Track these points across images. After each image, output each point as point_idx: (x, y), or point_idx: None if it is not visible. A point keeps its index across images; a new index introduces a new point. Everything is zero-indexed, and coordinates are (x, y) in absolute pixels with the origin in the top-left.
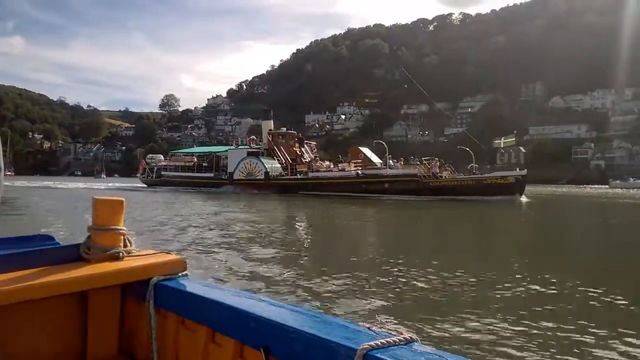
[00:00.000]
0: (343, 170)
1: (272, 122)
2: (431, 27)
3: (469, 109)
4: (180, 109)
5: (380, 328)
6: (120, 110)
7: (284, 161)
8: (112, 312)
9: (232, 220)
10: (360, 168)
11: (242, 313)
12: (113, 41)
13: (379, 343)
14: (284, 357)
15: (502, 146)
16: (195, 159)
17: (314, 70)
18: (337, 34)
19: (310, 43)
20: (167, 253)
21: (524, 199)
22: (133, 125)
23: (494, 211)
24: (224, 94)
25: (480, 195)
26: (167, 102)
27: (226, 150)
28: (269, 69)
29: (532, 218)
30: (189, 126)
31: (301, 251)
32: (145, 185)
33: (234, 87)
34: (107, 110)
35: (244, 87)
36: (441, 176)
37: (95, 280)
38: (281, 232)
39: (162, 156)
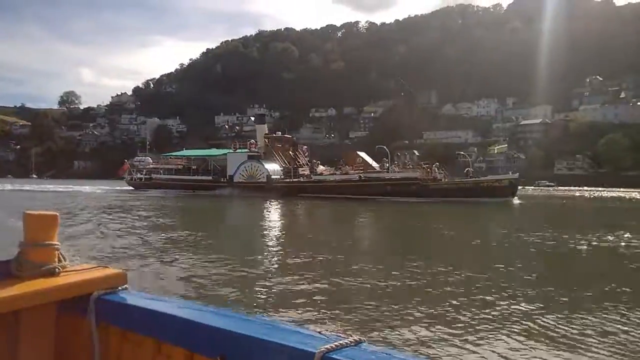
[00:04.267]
0: (346, 173)
1: (266, 126)
2: (339, 34)
3: (372, 114)
4: (82, 107)
5: (329, 332)
6: (15, 106)
7: (283, 165)
8: (47, 330)
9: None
10: (361, 172)
11: (193, 323)
12: (7, 31)
13: (333, 346)
14: None
15: (495, 152)
16: (184, 162)
17: (225, 71)
18: (249, 35)
19: (221, 43)
20: (106, 267)
21: (516, 200)
22: (29, 123)
23: (492, 212)
24: (130, 92)
25: (477, 197)
26: (68, 98)
27: (224, 154)
28: (178, 67)
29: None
30: (91, 125)
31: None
32: (131, 188)
33: (141, 85)
34: (1, 107)
35: (151, 85)
36: (440, 179)
37: (29, 298)
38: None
39: (150, 158)
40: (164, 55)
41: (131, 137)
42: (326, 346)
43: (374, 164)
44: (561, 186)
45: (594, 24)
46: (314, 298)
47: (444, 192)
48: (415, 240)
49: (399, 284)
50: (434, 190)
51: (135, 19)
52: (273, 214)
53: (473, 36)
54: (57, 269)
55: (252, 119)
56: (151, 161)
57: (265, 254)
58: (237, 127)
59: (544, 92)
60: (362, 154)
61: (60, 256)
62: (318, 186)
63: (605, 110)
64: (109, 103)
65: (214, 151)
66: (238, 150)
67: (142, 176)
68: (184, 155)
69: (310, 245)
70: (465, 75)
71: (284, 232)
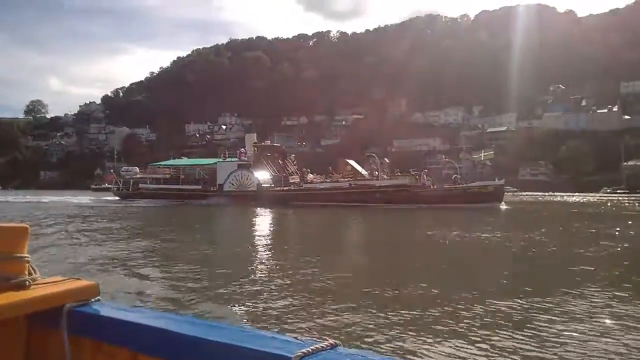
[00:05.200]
0: (337, 181)
1: (255, 135)
2: (311, 43)
3: (344, 122)
4: (49, 116)
5: (305, 337)
6: None
7: (273, 173)
8: (18, 344)
9: None
10: (351, 179)
11: (169, 332)
12: None
13: (309, 350)
14: None
15: (482, 159)
16: (171, 171)
17: (195, 80)
18: (220, 43)
19: (192, 51)
20: (78, 279)
21: (503, 206)
22: None
23: (477, 216)
24: (98, 101)
25: (465, 204)
26: (34, 107)
27: (214, 163)
28: (148, 75)
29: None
30: (58, 134)
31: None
32: (118, 198)
33: (110, 94)
34: None
35: (121, 94)
36: (429, 186)
37: None
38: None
39: (137, 168)
40: (134, 63)
41: (100, 146)
42: (302, 350)
43: (363, 172)
44: (524, 192)
45: (558, 34)
46: (293, 305)
47: (433, 198)
48: (401, 243)
49: (378, 289)
50: (423, 197)
51: (104, 27)
52: (264, 223)
53: (442, 46)
54: (27, 282)
55: (224, 127)
56: (138, 171)
57: (250, 262)
58: (207, 136)
59: (510, 100)
60: (352, 162)
61: (31, 269)
62: (309, 194)
63: (566, 118)
64: (76, 112)
65: (202, 160)
66: (227, 159)
67: (129, 186)
68: (172, 165)
69: (295, 252)
70: (434, 84)
71: (272, 241)
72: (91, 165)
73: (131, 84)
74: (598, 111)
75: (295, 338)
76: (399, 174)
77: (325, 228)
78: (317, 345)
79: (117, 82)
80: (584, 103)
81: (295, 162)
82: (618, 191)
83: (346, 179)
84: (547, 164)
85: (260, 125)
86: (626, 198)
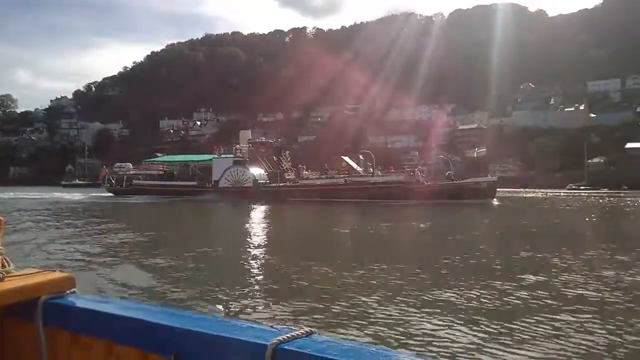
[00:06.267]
0: (332, 177)
1: (250, 131)
2: (287, 39)
3: (319, 119)
4: (19, 110)
5: (281, 325)
6: None
7: (268, 170)
8: None
9: None
10: (346, 176)
11: (145, 322)
12: None
13: (285, 337)
14: None
15: (475, 156)
16: (165, 167)
17: (170, 75)
18: (195, 38)
19: (167, 46)
20: (53, 271)
21: (495, 201)
22: None
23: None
24: (70, 95)
25: (459, 199)
26: (3, 102)
27: (210, 159)
28: (122, 70)
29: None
30: (28, 129)
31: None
32: (111, 194)
33: (82, 89)
34: None
35: (93, 88)
36: (423, 183)
37: None
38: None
39: (130, 164)
40: (107, 57)
41: (71, 142)
42: (278, 338)
43: (358, 168)
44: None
45: (529, 34)
46: (269, 294)
47: (427, 194)
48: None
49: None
50: (417, 193)
51: (78, 19)
52: (260, 218)
53: (416, 44)
54: (1, 274)
55: (198, 123)
56: (131, 167)
57: (239, 256)
58: (182, 132)
59: (481, 98)
60: (346, 159)
61: (5, 261)
62: (305, 190)
63: (536, 115)
64: (47, 107)
65: (197, 156)
66: (223, 155)
67: (122, 183)
68: (165, 161)
69: (285, 244)
70: (409, 81)
71: (266, 236)
72: (62, 161)
73: (104, 79)
74: (566, 109)
75: (271, 327)
76: (393, 170)
77: (312, 226)
78: (292, 333)
79: (90, 76)
80: (552, 101)
81: (289, 159)
82: (581, 187)
83: (342, 176)
84: (516, 160)
85: (237, 121)
86: (585, 194)
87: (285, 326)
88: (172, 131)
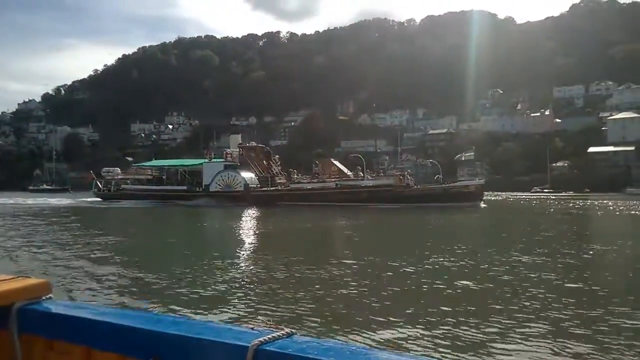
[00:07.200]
0: (323, 181)
1: (240, 136)
2: (260, 43)
3: (292, 123)
4: None
5: (261, 327)
6: None
7: (259, 174)
8: None
9: None
10: (337, 179)
11: (123, 326)
12: None
13: (266, 339)
14: None
15: (463, 159)
16: (154, 172)
17: (141, 78)
18: (167, 42)
19: (138, 49)
20: (27, 277)
21: (482, 204)
22: None
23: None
24: (39, 98)
25: (447, 202)
26: None
27: (200, 164)
28: (92, 73)
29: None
30: None
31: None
32: (99, 199)
33: (51, 92)
34: None
35: (62, 91)
36: (413, 186)
37: None
38: None
39: (119, 169)
40: (77, 60)
41: (39, 146)
42: (259, 339)
43: (348, 172)
44: None
45: (498, 40)
46: (248, 296)
47: (416, 198)
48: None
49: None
50: (407, 197)
51: (47, 21)
52: (251, 222)
53: (388, 50)
54: None
55: (170, 127)
56: (120, 171)
57: (229, 261)
58: (154, 136)
59: (451, 103)
60: (336, 162)
61: None
62: (296, 194)
63: (503, 120)
64: (15, 110)
65: (187, 161)
66: (214, 160)
67: (110, 187)
68: (154, 165)
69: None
70: (380, 86)
71: (256, 239)
72: (30, 166)
73: (74, 82)
74: (532, 115)
75: (252, 328)
76: (382, 174)
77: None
78: (273, 334)
79: (59, 79)
80: (519, 107)
81: (279, 163)
82: (545, 191)
83: (332, 180)
84: (484, 164)
85: (209, 125)
86: (546, 196)
87: (265, 327)
88: (143, 135)
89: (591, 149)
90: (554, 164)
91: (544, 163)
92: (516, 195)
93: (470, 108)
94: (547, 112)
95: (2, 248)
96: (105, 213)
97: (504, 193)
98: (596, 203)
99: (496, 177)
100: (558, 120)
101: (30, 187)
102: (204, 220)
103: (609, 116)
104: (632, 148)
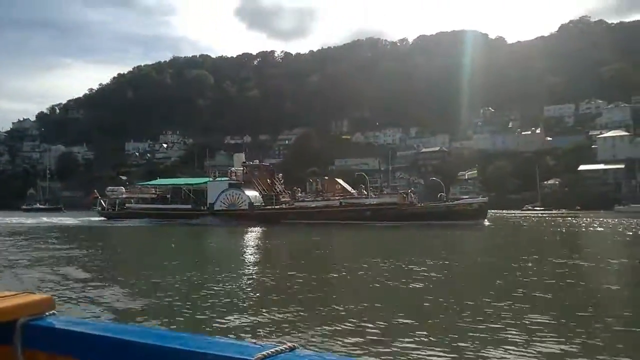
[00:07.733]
0: (327, 199)
1: (244, 154)
2: (255, 62)
3: (287, 141)
4: None
5: (264, 341)
6: None
7: (262, 192)
8: None
9: None
10: (341, 197)
11: (127, 342)
12: None
13: (269, 353)
14: None
15: (466, 177)
16: (158, 191)
17: (136, 97)
18: (162, 61)
19: (133, 68)
20: (31, 293)
21: (486, 222)
22: None
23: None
24: (33, 117)
25: (451, 220)
26: None
27: (205, 183)
28: (87, 92)
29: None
30: None
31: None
32: (103, 218)
33: (45, 111)
34: None
35: (57, 110)
36: (416, 204)
37: None
38: None
39: (123, 188)
40: (72, 79)
41: (33, 165)
42: (262, 353)
43: (352, 191)
44: None
45: (489, 59)
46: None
47: (420, 216)
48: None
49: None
50: (410, 215)
51: (41, 39)
52: (256, 240)
53: (381, 69)
54: None
55: (165, 146)
56: (124, 190)
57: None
58: (148, 155)
59: (444, 121)
60: (340, 181)
61: None
62: (300, 212)
63: (494, 138)
64: (9, 129)
65: (192, 180)
66: (218, 178)
67: (115, 206)
68: (158, 184)
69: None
70: (374, 105)
71: (262, 258)
72: (24, 185)
73: (68, 101)
74: (523, 133)
75: (254, 343)
76: (385, 192)
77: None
78: (276, 349)
79: (54, 98)
80: (510, 125)
81: (282, 181)
82: (536, 208)
83: (337, 198)
84: (476, 182)
85: (204, 144)
86: (538, 214)
87: (268, 342)
88: (137, 154)
89: (582, 167)
90: (545, 182)
91: (535, 181)
92: (512, 213)
93: (463, 126)
94: (538, 131)
95: (7, 265)
96: (110, 231)
97: (496, 211)
98: (596, 223)
99: (490, 195)
100: (549, 138)
101: (24, 207)
102: (209, 238)
103: (598, 134)
104: (622, 166)
